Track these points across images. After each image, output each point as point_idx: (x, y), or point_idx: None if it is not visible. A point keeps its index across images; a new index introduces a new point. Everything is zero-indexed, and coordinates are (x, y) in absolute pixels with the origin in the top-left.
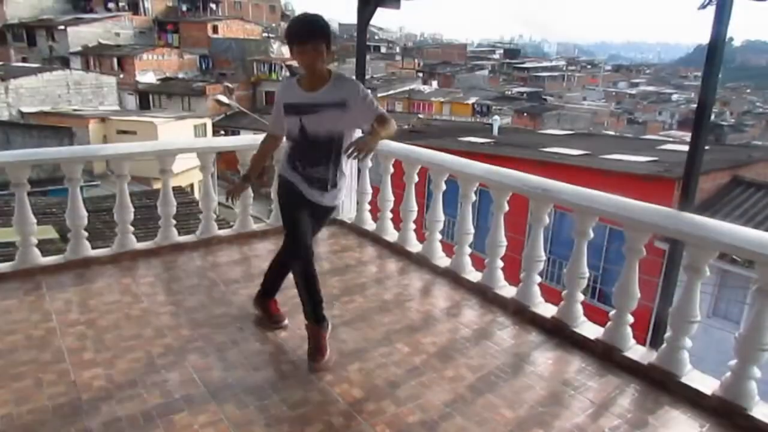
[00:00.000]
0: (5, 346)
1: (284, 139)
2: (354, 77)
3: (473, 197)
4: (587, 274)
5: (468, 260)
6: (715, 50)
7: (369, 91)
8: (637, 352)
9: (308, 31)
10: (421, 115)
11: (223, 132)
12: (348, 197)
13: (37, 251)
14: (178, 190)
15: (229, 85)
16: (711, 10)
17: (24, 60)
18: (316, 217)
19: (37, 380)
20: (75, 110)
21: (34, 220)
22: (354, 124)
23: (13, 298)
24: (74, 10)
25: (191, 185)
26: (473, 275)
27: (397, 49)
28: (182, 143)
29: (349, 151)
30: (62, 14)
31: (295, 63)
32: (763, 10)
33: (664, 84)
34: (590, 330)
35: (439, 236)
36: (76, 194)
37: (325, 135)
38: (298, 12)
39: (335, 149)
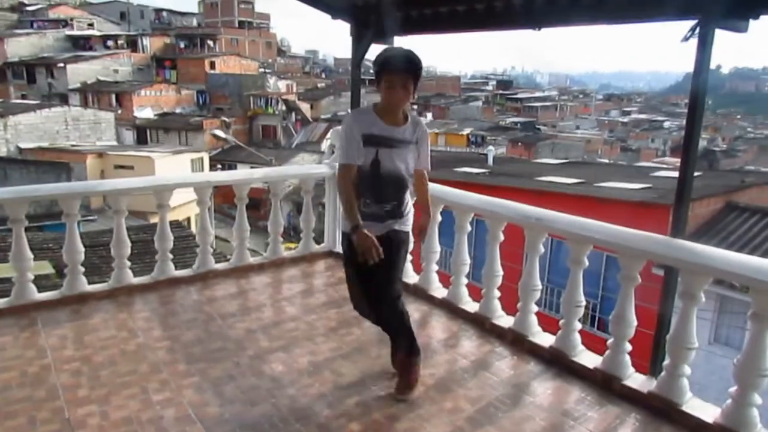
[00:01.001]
0: None
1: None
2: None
3: (469, 228)
4: (584, 303)
5: (465, 291)
6: (699, 78)
7: None
8: (636, 380)
9: (406, 64)
10: None
11: (220, 166)
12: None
13: (33, 287)
14: (175, 224)
15: (226, 119)
16: (694, 41)
17: (23, 97)
18: (394, 248)
19: (31, 418)
20: (73, 146)
21: (31, 256)
22: (414, 163)
23: (8, 334)
24: (74, 48)
25: (188, 219)
26: (470, 305)
27: None
28: (179, 178)
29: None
30: (62, 52)
31: (290, 97)
32: (749, 39)
33: (656, 111)
34: (589, 359)
35: (435, 267)
36: (74, 230)
37: (398, 171)
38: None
39: (404, 186)
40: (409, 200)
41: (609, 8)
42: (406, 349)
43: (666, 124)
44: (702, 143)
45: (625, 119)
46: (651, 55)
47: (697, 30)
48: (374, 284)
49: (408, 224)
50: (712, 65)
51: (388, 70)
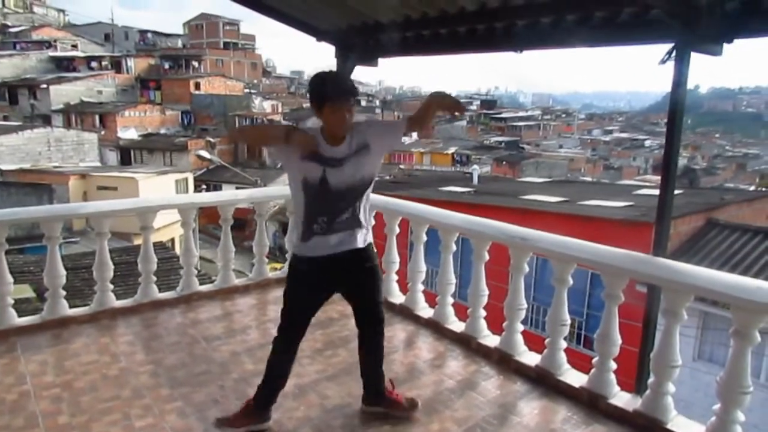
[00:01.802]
0: None
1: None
2: None
3: (454, 247)
4: (569, 321)
5: (451, 310)
6: (677, 99)
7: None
8: (622, 399)
9: (345, 92)
10: (402, 166)
11: (204, 186)
12: None
13: (12, 311)
14: (159, 246)
15: (211, 139)
16: (672, 63)
17: (5, 118)
18: (361, 276)
19: None
20: (55, 167)
21: (11, 280)
22: (380, 160)
23: None
24: (57, 69)
25: (172, 240)
26: (456, 325)
27: (377, 102)
28: (163, 200)
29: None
30: (45, 74)
31: (276, 117)
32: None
33: (637, 130)
34: (575, 378)
35: (421, 287)
36: (55, 253)
37: (349, 182)
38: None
39: (359, 195)
40: (369, 217)
41: (588, 31)
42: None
43: (647, 143)
44: (682, 161)
45: (607, 138)
46: (631, 75)
47: (674, 53)
48: (363, 306)
49: (367, 240)
50: (691, 85)
51: (328, 102)
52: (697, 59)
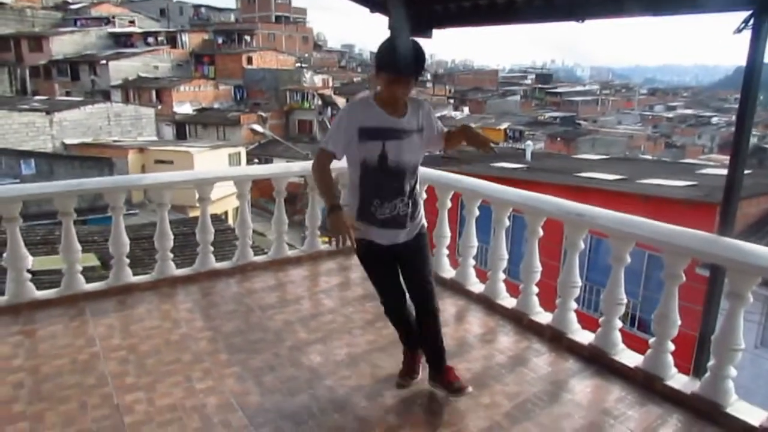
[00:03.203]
0: (52, 370)
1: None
2: None
3: (507, 223)
4: (625, 300)
5: (502, 286)
6: (752, 72)
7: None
8: (679, 381)
9: (416, 65)
10: None
11: (257, 160)
12: None
13: (81, 278)
14: (214, 218)
15: (263, 114)
16: (747, 33)
17: (67, 94)
18: (410, 255)
19: (82, 403)
20: (115, 141)
21: (79, 248)
22: (424, 151)
23: (59, 323)
24: (115, 46)
25: (225, 213)
26: (508, 301)
27: (428, 76)
28: (220, 172)
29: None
30: (104, 50)
31: (326, 92)
32: None
33: (703, 107)
34: (630, 358)
35: (473, 262)
36: (120, 222)
37: (407, 164)
38: (330, 42)
39: (414, 183)
40: (421, 202)
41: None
42: (443, 353)
43: (714, 120)
44: (753, 140)
45: (670, 114)
46: (698, 48)
47: (751, 21)
48: (415, 285)
49: (417, 228)
50: (766, 58)
51: (394, 72)
52: None
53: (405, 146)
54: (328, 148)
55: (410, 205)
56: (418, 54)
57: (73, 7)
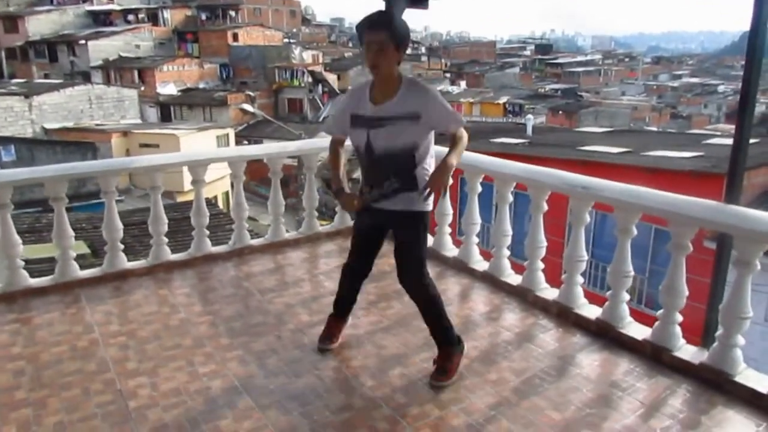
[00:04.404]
0: (52, 357)
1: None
2: None
3: (510, 198)
4: (632, 273)
5: (507, 263)
6: (756, 37)
7: (439, 92)
8: (687, 351)
9: (369, 23)
10: None
11: (246, 142)
12: None
13: (75, 264)
14: (206, 202)
15: (251, 93)
16: None
17: (46, 76)
18: (396, 227)
19: (84, 389)
20: (97, 125)
21: (72, 234)
22: (428, 133)
23: (55, 310)
24: (94, 24)
25: (215, 197)
26: (513, 278)
27: (423, 50)
28: (214, 153)
29: (425, 195)
30: (82, 29)
31: (317, 68)
32: None
33: (709, 75)
34: (637, 331)
35: (476, 239)
36: (112, 207)
37: (395, 149)
38: (319, 16)
39: (407, 163)
40: (418, 177)
41: None
42: (442, 338)
43: (720, 88)
44: (759, 108)
45: (676, 83)
46: (703, 13)
47: None
48: (396, 258)
49: (414, 204)
50: None
51: (360, 33)
52: None
53: (393, 133)
54: (332, 132)
55: (399, 182)
56: (372, 18)
57: None
